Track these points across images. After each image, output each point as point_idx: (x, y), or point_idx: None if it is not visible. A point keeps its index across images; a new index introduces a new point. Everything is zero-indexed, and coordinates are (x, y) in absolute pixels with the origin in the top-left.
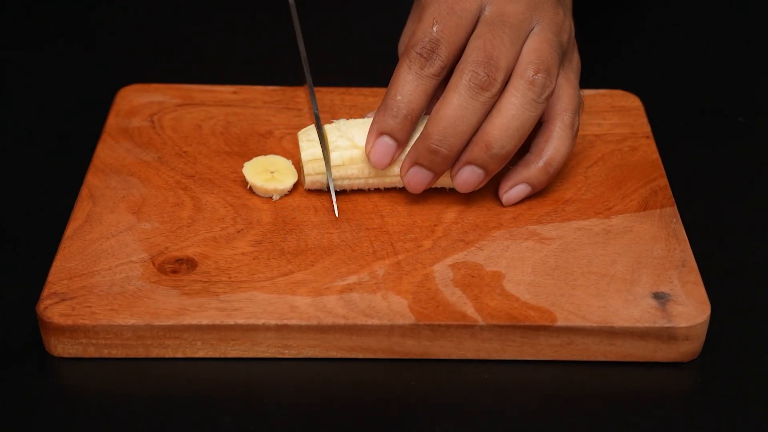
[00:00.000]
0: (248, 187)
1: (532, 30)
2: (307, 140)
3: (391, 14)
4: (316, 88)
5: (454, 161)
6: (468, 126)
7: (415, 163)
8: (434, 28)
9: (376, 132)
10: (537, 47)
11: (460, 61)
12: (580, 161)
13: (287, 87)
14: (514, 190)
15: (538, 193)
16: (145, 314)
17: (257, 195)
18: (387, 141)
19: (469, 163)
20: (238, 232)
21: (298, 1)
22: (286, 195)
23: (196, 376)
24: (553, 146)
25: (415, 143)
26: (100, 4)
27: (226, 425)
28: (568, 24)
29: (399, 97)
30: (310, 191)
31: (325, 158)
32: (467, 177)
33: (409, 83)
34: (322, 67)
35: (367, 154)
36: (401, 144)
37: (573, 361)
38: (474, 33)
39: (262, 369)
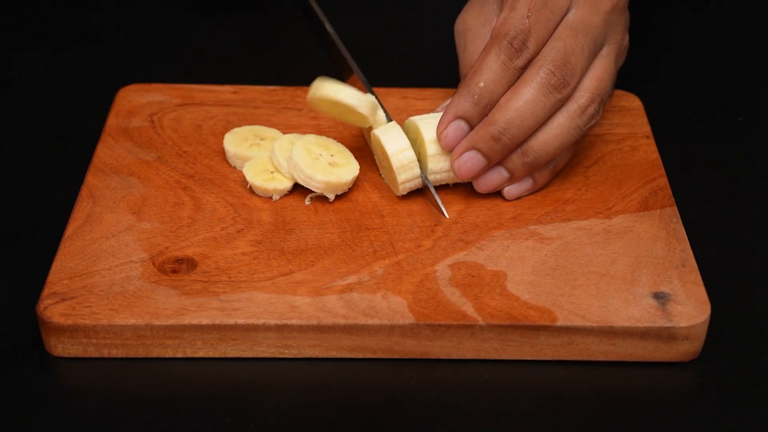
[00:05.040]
0: (248, 187)
1: (602, 48)
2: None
3: (391, 15)
4: None
5: (509, 153)
6: (534, 122)
7: (473, 148)
8: (527, 20)
9: (452, 115)
10: (599, 76)
11: (538, 57)
12: (580, 161)
13: (287, 87)
14: (516, 185)
15: (538, 193)
16: (145, 314)
17: (257, 195)
18: (462, 125)
19: (500, 164)
20: (238, 232)
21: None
22: (286, 195)
23: (196, 376)
24: None
25: (476, 128)
26: (100, 4)
27: (226, 425)
28: (626, 51)
29: (482, 84)
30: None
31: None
32: (492, 177)
33: (494, 72)
34: (323, 67)
35: (438, 135)
36: (473, 128)
37: (573, 360)
38: (555, 33)
39: (262, 369)
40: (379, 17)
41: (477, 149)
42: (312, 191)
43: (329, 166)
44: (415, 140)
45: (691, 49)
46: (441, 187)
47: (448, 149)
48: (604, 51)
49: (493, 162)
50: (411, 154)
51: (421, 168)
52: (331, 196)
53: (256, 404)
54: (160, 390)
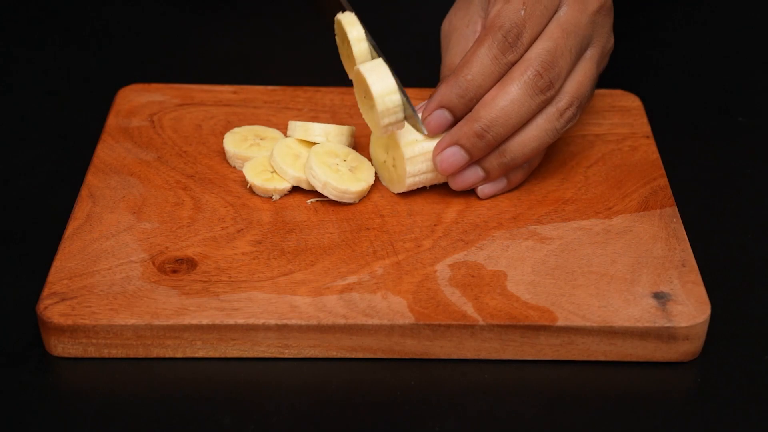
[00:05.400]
0: (248, 186)
1: (586, 50)
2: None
3: (390, 15)
4: (317, 88)
5: (492, 150)
6: (519, 121)
7: (456, 144)
8: (522, 13)
9: (437, 103)
10: (580, 79)
11: (526, 55)
12: (580, 161)
13: (287, 87)
14: (490, 184)
15: (538, 193)
16: (145, 314)
17: (257, 195)
18: (445, 115)
19: (476, 163)
20: (238, 231)
21: (295, 4)
22: (286, 195)
23: (196, 376)
24: None
25: (459, 123)
26: (100, 4)
27: (226, 425)
28: (610, 54)
29: (470, 77)
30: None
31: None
32: (468, 175)
33: (485, 66)
34: (322, 67)
35: (422, 120)
36: (457, 120)
37: (573, 361)
38: (545, 32)
39: (262, 369)
40: (379, 17)
41: (460, 145)
42: (320, 195)
43: (350, 173)
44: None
45: (691, 49)
46: (419, 190)
47: (430, 136)
48: (588, 53)
49: (475, 158)
50: (397, 98)
51: (403, 97)
52: (357, 200)
53: (256, 404)
54: (160, 390)
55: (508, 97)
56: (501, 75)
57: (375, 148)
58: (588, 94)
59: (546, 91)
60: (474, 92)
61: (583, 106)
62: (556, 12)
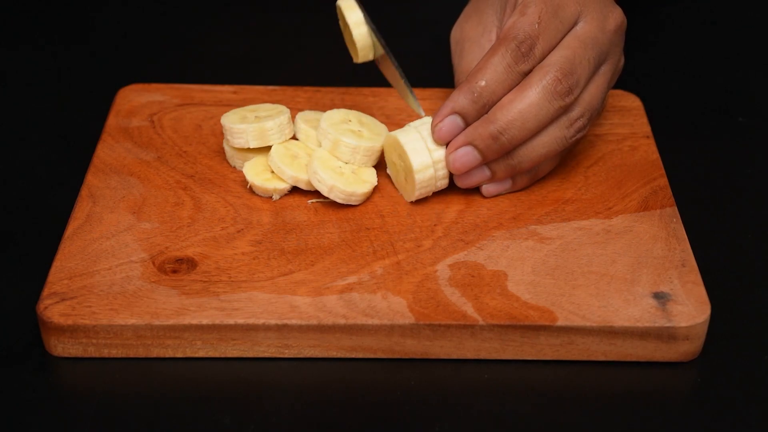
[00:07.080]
0: (248, 186)
1: (602, 65)
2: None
3: (389, 15)
4: (317, 88)
5: (507, 153)
6: (536, 125)
7: (470, 144)
8: (536, 26)
9: (450, 109)
10: (593, 92)
11: (544, 62)
12: (580, 161)
13: (287, 87)
14: (494, 184)
15: (538, 193)
16: (145, 314)
17: (257, 195)
18: (457, 121)
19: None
20: (238, 231)
21: (295, 4)
22: (286, 195)
23: (196, 376)
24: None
25: (475, 124)
26: (99, 4)
27: (226, 425)
28: (620, 72)
29: (483, 83)
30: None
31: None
32: (474, 173)
33: (498, 73)
34: (323, 67)
35: (433, 128)
36: (468, 126)
37: (573, 361)
38: (563, 42)
39: (262, 369)
40: (379, 18)
41: (474, 145)
42: (320, 195)
43: (354, 175)
44: (395, 149)
45: (691, 49)
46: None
47: (441, 143)
48: (602, 69)
49: (487, 160)
50: (432, 172)
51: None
52: (361, 202)
53: (256, 404)
54: (160, 390)
55: (526, 100)
56: (513, 84)
57: (389, 152)
58: (598, 108)
59: (565, 96)
60: (487, 98)
61: (593, 119)
62: (572, 27)
